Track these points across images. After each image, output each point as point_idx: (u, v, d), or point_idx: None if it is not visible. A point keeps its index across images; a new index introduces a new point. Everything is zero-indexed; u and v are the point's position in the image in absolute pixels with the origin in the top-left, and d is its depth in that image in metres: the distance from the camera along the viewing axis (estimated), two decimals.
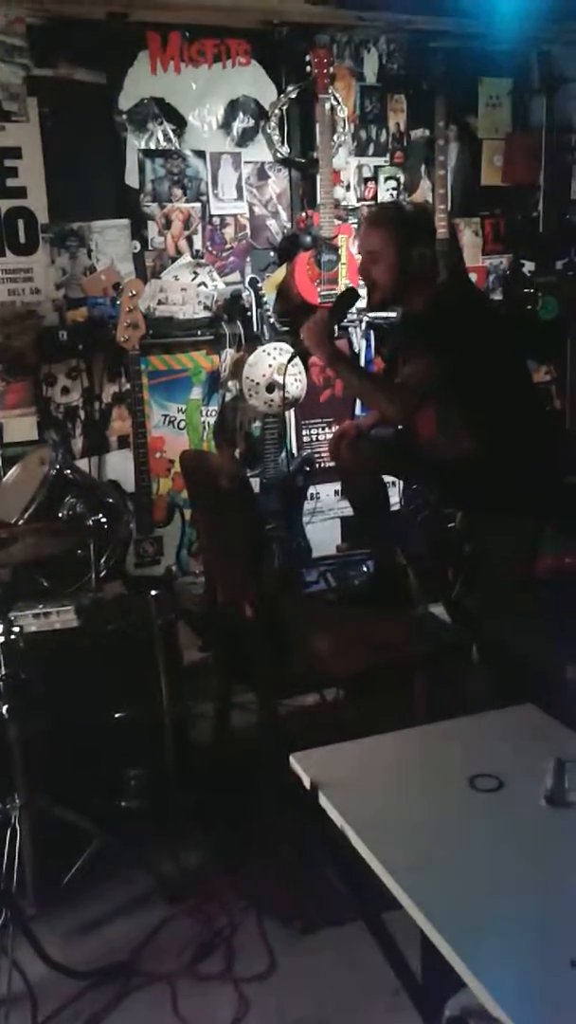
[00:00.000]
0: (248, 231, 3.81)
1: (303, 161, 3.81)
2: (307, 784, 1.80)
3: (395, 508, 3.62)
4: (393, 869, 1.51)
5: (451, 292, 3.02)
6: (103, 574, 2.86)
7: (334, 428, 3.95)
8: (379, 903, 1.80)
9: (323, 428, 4.07)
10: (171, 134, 3.61)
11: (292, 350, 3.68)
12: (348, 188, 3.97)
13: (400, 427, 3.38)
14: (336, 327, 3.15)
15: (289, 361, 3.39)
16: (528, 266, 4.28)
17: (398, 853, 1.56)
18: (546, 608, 2.86)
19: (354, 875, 1.85)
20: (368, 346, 4.02)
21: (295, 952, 2.23)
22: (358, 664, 2.58)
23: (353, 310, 3.74)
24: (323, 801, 1.74)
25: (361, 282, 3.09)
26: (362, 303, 3.48)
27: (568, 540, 3.19)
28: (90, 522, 2.71)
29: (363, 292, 3.12)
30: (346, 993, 2.10)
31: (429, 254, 2.98)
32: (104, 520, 2.72)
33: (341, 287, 3.72)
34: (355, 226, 3.93)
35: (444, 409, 3.03)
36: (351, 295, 3.12)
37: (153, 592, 2.58)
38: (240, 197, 3.77)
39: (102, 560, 2.86)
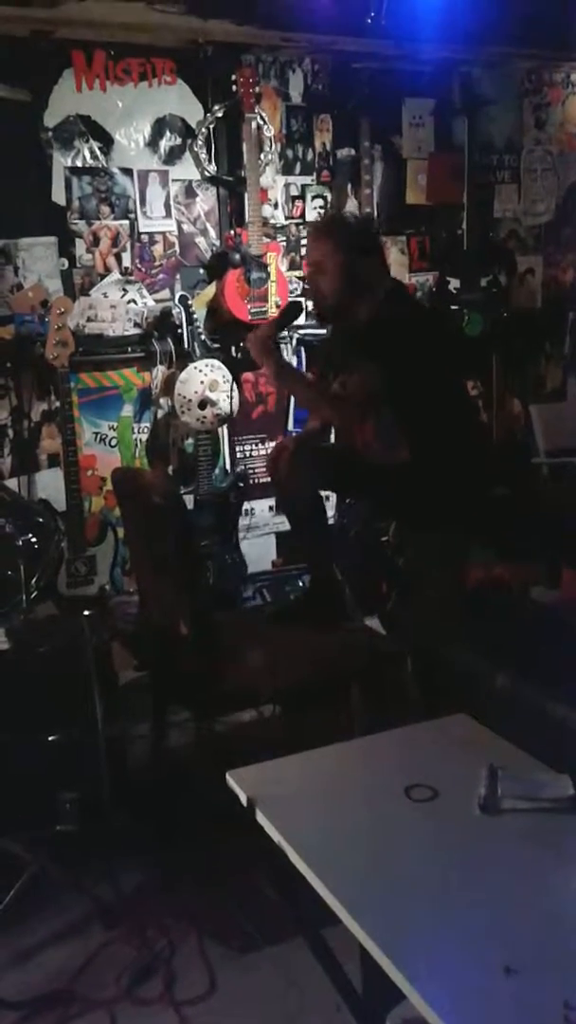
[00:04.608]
0: (177, 248, 3.82)
1: (231, 179, 3.83)
2: (244, 801, 1.80)
3: (330, 523, 3.64)
4: (331, 884, 1.51)
5: (398, 302, 3.04)
6: (34, 595, 2.82)
7: (268, 444, 3.97)
8: (318, 918, 1.81)
9: (256, 444, 4.08)
10: (98, 152, 3.60)
11: (223, 367, 3.69)
12: (276, 206, 4.00)
13: (336, 441, 3.40)
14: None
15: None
16: (454, 283, 4.37)
17: (336, 867, 1.56)
18: (477, 618, 2.91)
19: (292, 891, 1.85)
20: (300, 362, 4.05)
21: (235, 971, 2.21)
22: (294, 679, 2.59)
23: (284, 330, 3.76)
24: (260, 818, 1.74)
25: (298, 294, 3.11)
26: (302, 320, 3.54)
27: (496, 552, 3.25)
28: (20, 542, 2.69)
29: (309, 306, 3.15)
30: (287, 1010, 2.09)
31: (374, 265, 3.00)
32: (34, 540, 2.70)
33: (271, 304, 3.74)
34: (283, 244, 3.97)
35: (384, 420, 3.05)
36: (296, 308, 3.20)
37: (86, 612, 2.56)
38: (168, 215, 3.77)
39: (33, 581, 2.82)
